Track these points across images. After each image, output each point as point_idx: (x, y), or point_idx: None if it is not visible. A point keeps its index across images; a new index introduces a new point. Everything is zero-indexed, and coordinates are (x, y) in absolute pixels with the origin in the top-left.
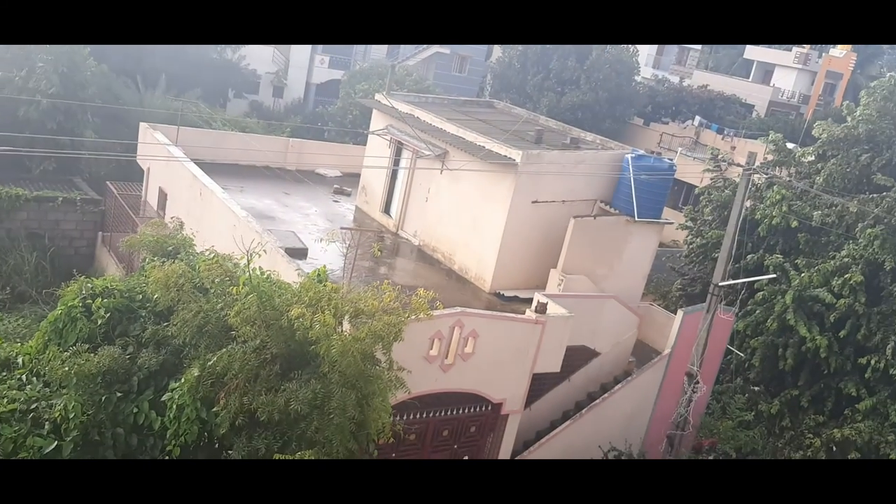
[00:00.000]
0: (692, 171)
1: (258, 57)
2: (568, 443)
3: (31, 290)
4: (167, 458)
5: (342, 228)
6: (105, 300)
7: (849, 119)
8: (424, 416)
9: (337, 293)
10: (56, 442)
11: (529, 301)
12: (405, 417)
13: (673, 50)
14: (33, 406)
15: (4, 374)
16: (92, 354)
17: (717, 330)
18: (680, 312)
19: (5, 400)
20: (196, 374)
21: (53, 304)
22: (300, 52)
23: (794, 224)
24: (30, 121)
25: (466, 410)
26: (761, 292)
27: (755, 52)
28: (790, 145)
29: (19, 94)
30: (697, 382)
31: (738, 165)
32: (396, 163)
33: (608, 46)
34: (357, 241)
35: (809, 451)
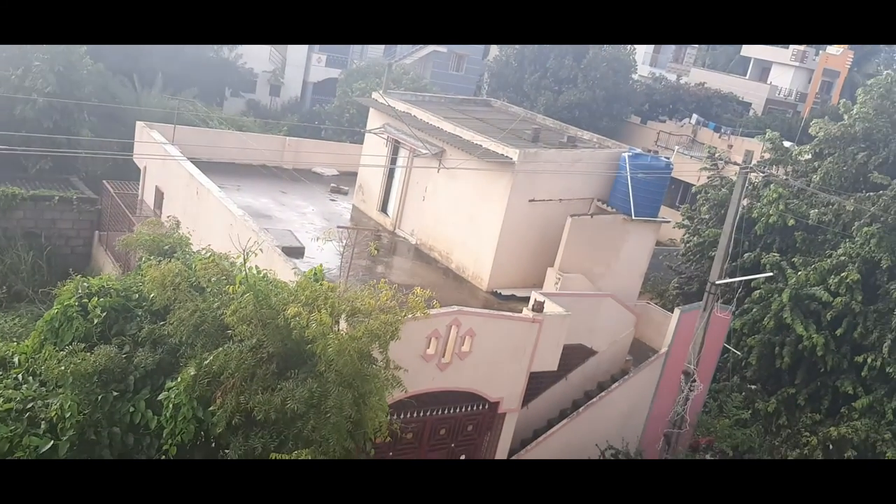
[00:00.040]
0: (689, 170)
1: (255, 56)
2: (565, 441)
3: (27, 289)
4: (163, 457)
5: (339, 227)
6: (101, 299)
7: (845, 117)
8: (421, 414)
9: (333, 292)
10: (52, 441)
11: (526, 300)
12: (402, 416)
13: (670, 48)
14: (29, 405)
15: (0, 373)
16: (88, 354)
17: (713, 328)
18: (677, 311)
19: (1, 399)
20: (192, 373)
21: (50, 303)
22: (297, 51)
23: (791, 222)
24: (26, 120)
25: (463, 409)
26: (758, 291)
27: (752, 50)
28: (787, 143)
29: (15, 92)
30: (694, 381)
31: (735, 164)
32: (393, 161)
33: (605, 45)
34: (354, 239)
35: (806, 450)
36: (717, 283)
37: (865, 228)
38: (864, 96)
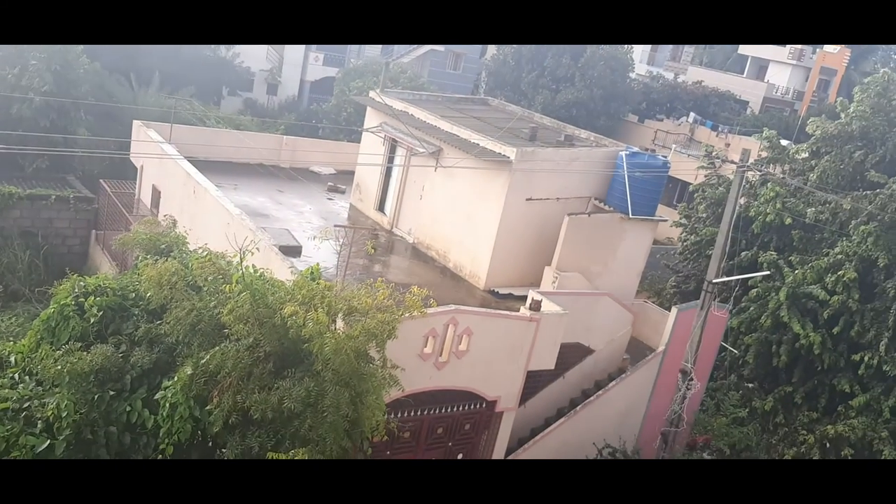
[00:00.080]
0: (686, 169)
1: (252, 54)
2: (562, 440)
3: (24, 288)
4: (160, 456)
5: (336, 226)
6: (98, 298)
7: (842, 115)
8: (419, 413)
9: (330, 291)
10: (49, 441)
11: (524, 298)
12: (399, 415)
13: (667, 46)
14: (26, 405)
15: None
16: (85, 353)
17: (711, 327)
18: (674, 310)
19: None
20: (189, 373)
21: (46, 302)
22: (294, 50)
23: (788, 221)
24: (23, 119)
25: (461, 408)
26: (755, 289)
27: (749, 48)
28: (784, 142)
29: (12, 91)
30: (691, 379)
31: (732, 163)
32: (391, 160)
33: (603, 44)
34: (351, 238)
35: (803, 448)
36: (715, 281)
37: (862, 227)
38: (860, 94)
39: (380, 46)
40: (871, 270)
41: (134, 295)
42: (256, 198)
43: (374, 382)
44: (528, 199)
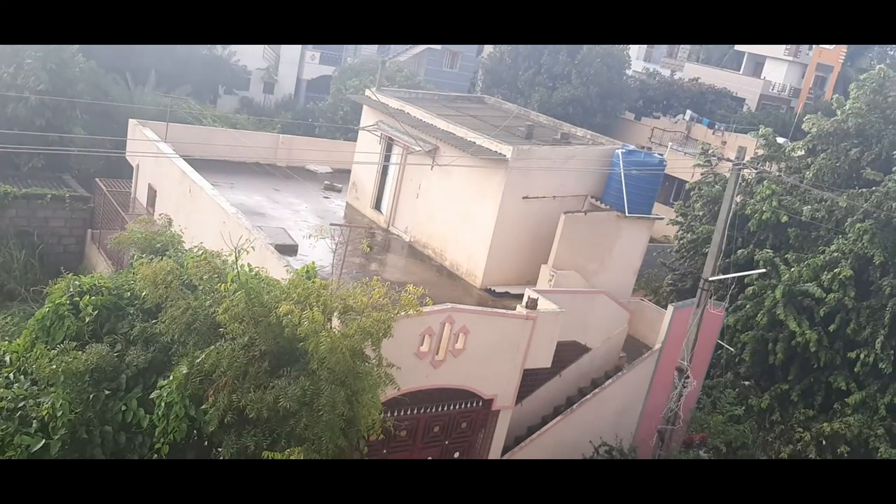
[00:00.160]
0: (683, 166)
1: (248, 53)
2: (559, 438)
3: (19, 287)
4: (156, 456)
5: (332, 224)
6: (93, 298)
7: (838, 113)
8: (415, 412)
9: (326, 290)
10: (44, 440)
11: (520, 297)
12: (396, 414)
13: None
14: (21, 404)
15: None
16: (80, 352)
17: (707, 325)
18: (670, 308)
19: None
20: (184, 372)
21: (42, 301)
22: (291, 49)
23: (784, 219)
24: (18, 118)
25: (457, 406)
26: (751, 287)
27: (746, 45)
28: (780, 139)
29: (7, 90)
30: (688, 377)
31: (729, 160)
32: (387, 159)
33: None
34: (347, 237)
35: (799, 445)
36: (711, 279)
37: (858, 224)
38: (856, 91)
39: (376, 45)
40: (866, 268)
41: (129, 294)
42: (253, 196)
43: (370, 381)
44: (524, 198)
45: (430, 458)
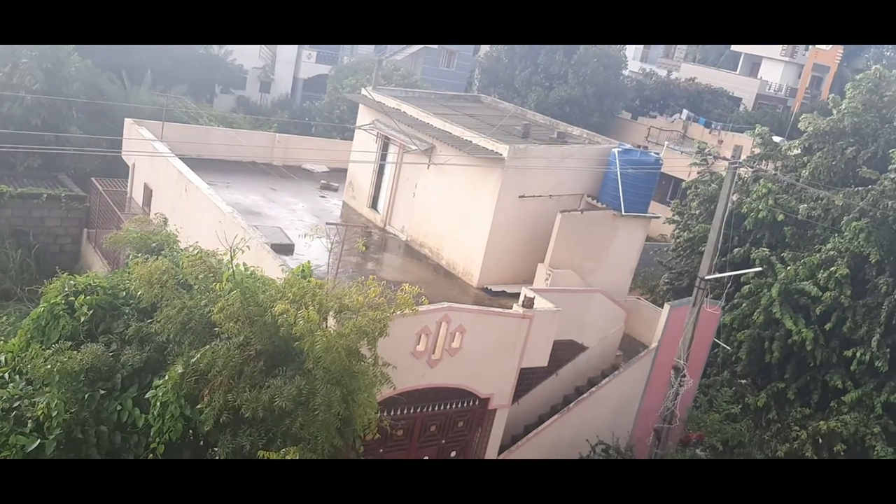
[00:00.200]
0: (679, 165)
1: (245, 52)
2: (556, 437)
3: (15, 287)
4: (151, 455)
5: (328, 224)
6: (88, 297)
7: (834, 112)
8: (412, 411)
9: (321, 289)
10: (39, 440)
11: (517, 296)
12: (392, 413)
13: None
14: (16, 404)
15: None
16: (75, 352)
17: (703, 323)
18: (667, 306)
19: None
20: (180, 371)
21: (38, 301)
22: (287, 48)
23: (781, 217)
24: (14, 117)
25: (454, 405)
26: (747, 286)
27: (743, 45)
28: (777, 139)
29: (3, 90)
30: (684, 376)
31: (725, 159)
32: (383, 158)
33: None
34: (343, 236)
35: (796, 444)
36: (707, 278)
37: (854, 223)
38: (852, 91)
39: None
40: (862, 266)
41: (124, 293)
42: (249, 196)
43: (366, 380)
44: (520, 197)
45: (426, 457)
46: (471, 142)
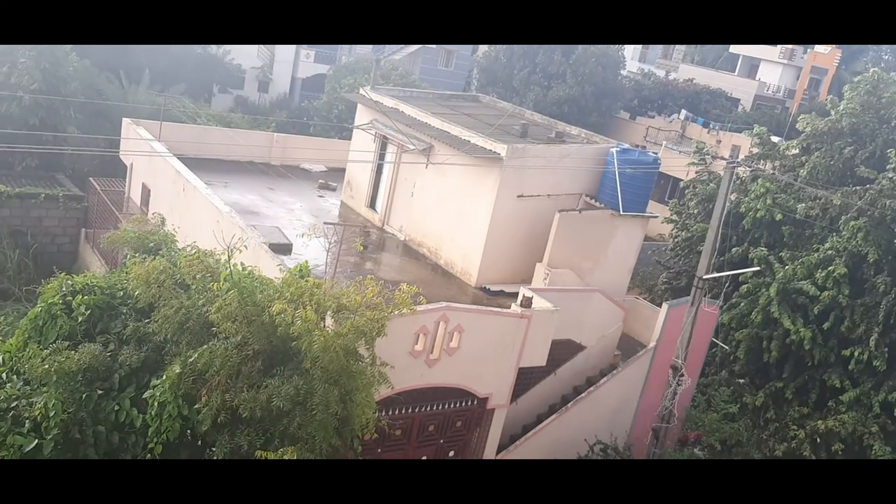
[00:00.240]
0: (677, 165)
1: (243, 52)
2: (554, 437)
3: (13, 287)
4: (149, 455)
5: (325, 223)
6: (85, 297)
7: (833, 113)
8: (410, 411)
9: (319, 288)
10: (36, 440)
11: (515, 295)
12: (390, 413)
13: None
14: (13, 404)
15: None
16: (72, 352)
17: (701, 323)
18: (665, 306)
19: None
20: (177, 371)
21: (35, 301)
22: (285, 47)
23: (779, 217)
24: (11, 117)
25: (452, 405)
26: (746, 285)
27: (741, 47)
28: (775, 139)
29: (1, 89)
30: (682, 375)
31: (723, 159)
32: (382, 157)
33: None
34: (341, 236)
35: (794, 443)
36: (705, 277)
37: (852, 222)
38: (850, 92)
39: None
40: (861, 266)
41: (122, 293)
42: (247, 195)
43: (364, 380)
44: (519, 196)
45: (424, 457)
46: (469, 141)
